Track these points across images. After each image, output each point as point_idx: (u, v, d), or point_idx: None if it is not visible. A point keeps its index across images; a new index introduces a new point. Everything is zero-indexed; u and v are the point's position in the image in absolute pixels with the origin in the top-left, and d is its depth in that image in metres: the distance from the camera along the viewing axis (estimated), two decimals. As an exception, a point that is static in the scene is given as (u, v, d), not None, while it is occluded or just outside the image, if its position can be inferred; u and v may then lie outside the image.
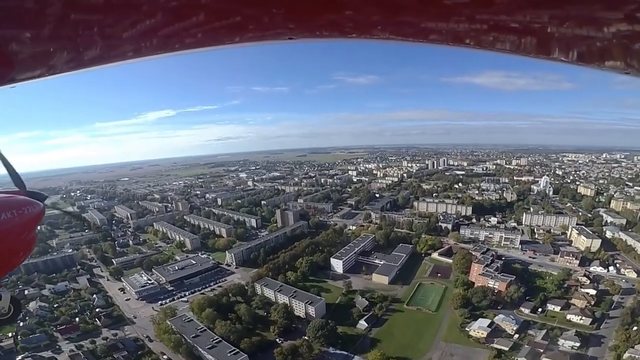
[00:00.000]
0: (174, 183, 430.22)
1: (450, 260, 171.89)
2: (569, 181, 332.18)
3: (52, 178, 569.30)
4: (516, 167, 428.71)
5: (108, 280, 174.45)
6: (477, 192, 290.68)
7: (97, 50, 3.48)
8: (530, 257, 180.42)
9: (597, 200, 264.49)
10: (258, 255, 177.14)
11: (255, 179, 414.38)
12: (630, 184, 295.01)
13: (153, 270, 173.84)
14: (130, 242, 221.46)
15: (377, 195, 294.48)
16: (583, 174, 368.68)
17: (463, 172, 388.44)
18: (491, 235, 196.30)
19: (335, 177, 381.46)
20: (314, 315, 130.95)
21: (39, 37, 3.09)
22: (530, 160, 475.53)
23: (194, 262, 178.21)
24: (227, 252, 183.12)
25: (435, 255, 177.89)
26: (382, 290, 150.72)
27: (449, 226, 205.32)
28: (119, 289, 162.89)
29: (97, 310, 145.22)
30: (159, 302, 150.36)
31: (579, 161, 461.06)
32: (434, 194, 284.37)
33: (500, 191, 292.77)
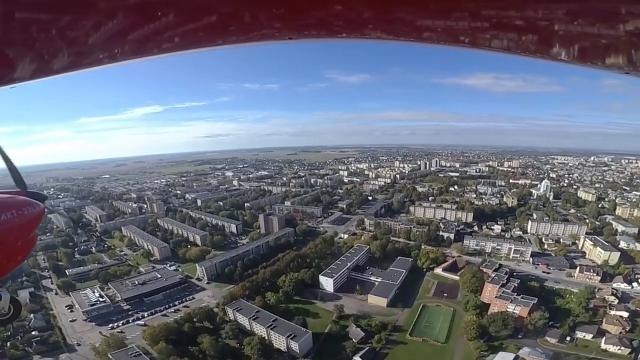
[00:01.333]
0: (156, 181, 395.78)
1: (456, 277, 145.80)
2: (565, 185, 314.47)
3: (32, 174, 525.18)
4: (509, 169, 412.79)
5: (57, 294, 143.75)
6: (474, 195, 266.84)
7: (99, 51, 3.47)
8: (544, 272, 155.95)
9: (600, 206, 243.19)
10: (234, 269, 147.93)
11: (242, 177, 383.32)
12: (628, 189, 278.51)
13: (110, 284, 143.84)
14: (93, 248, 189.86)
15: (370, 198, 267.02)
16: (577, 177, 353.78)
17: (457, 174, 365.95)
18: (499, 247, 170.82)
19: (325, 178, 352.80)
20: (297, 351, 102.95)
21: (39, 38, 3.06)
22: (521, 162, 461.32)
23: (159, 276, 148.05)
24: (197, 265, 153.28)
25: (438, 270, 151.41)
26: (380, 314, 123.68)
27: (451, 236, 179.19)
28: (66, 306, 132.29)
29: (33, 332, 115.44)
30: (110, 325, 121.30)
31: (569, 164, 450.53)
32: (430, 198, 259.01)
33: (498, 195, 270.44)
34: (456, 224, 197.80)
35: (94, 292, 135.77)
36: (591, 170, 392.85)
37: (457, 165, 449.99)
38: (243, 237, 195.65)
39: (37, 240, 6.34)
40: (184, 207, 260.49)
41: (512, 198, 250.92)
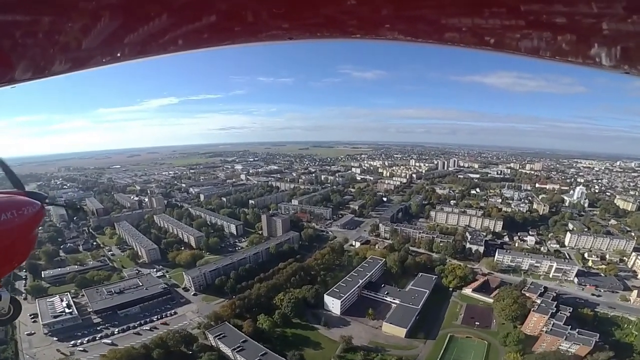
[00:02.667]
0: (164, 173, 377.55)
1: (489, 300, 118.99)
2: (597, 191, 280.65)
3: (47, 163, 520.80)
4: (531, 172, 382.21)
5: (26, 299, 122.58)
6: (500, 200, 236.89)
7: (100, 51, 3.43)
8: (592, 294, 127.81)
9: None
10: (226, 280, 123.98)
11: (251, 171, 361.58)
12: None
13: (84, 291, 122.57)
14: (81, 246, 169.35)
15: (385, 199, 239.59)
16: (607, 183, 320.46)
17: (478, 176, 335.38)
18: (537, 264, 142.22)
19: (337, 175, 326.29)
20: (292, 399, 78.53)
21: (39, 38, 3.02)
22: (544, 165, 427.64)
23: (140, 284, 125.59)
24: (184, 273, 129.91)
25: (467, 291, 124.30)
26: (397, 347, 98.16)
27: (480, 249, 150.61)
28: (30, 315, 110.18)
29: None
30: (73, 341, 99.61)
31: (595, 168, 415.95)
32: (452, 201, 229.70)
33: (526, 200, 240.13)
34: (484, 234, 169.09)
35: (61, 301, 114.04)
36: (620, 175, 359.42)
37: (476, 166, 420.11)
38: (242, 240, 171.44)
39: (37, 240, 6.04)
40: (186, 202, 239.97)
41: (544, 205, 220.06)
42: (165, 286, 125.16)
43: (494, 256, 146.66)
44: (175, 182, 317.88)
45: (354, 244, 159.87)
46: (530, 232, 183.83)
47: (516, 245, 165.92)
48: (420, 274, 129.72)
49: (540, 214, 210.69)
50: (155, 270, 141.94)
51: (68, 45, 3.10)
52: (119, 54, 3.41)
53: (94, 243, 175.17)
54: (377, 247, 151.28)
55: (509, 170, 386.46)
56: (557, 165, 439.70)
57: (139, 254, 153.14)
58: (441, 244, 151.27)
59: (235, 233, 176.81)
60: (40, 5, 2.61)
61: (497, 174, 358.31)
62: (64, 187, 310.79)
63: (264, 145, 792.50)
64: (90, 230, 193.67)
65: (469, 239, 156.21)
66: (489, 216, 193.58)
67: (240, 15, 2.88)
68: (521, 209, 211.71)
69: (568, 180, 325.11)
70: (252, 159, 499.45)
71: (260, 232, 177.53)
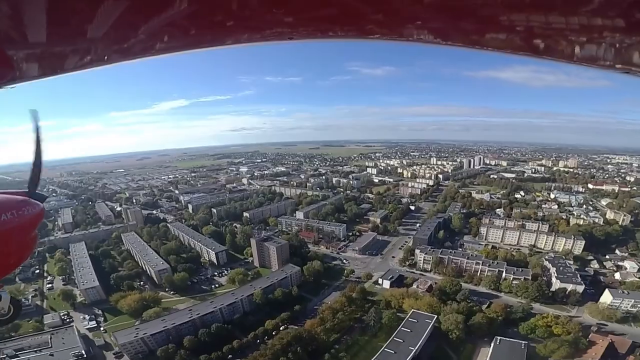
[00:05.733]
0: (163, 177, 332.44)
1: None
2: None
3: (56, 167, 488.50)
4: (567, 169, 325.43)
5: None
6: (556, 207, 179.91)
7: (101, 50, 3.30)
8: None
9: None
10: (176, 350, 72.50)
11: (255, 174, 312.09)
12: None
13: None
14: (17, 277, 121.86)
15: (413, 208, 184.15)
16: None
17: (513, 176, 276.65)
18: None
19: (351, 177, 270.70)
20: None
21: (39, 38, 2.89)
22: (578, 161, 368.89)
23: (49, 345, 76.40)
24: (112, 335, 79.02)
25: (584, 374, 69.82)
26: None
27: (579, 288, 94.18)
28: None
29: None
30: None
31: (634, 164, 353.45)
32: (498, 209, 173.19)
33: (590, 207, 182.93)
34: (571, 262, 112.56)
35: None
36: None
37: (504, 164, 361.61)
38: (223, 273, 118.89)
39: (37, 240, 5.73)
40: (171, 214, 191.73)
41: (623, 214, 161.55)
42: (82, 354, 74.26)
43: (598, 297, 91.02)
44: (170, 187, 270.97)
45: (380, 282, 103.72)
46: (619, 253, 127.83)
47: (615, 275, 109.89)
48: (498, 338, 74.58)
49: (620, 224, 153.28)
50: (89, 317, 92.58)
51: (68, 44, 2.95)
52: (119, 53, 3.20)
53: (36, 271, 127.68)
54: (417, 287, 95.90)
55: (542, 168, 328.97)
56: (590, 162, 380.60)
57: (73, 293, 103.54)
58: (515, 283, 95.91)
59: (216, 262, 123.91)
60: (40, 3, 2.46)
61: (533, 172, 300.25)
62: (54, 194, 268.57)
63: (275, 145, 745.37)
64: (45, 253, 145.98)
65: (554, 272, 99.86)
66: (557, 232, 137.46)
67: (242, 15, 2.66)
68: (596, 220, 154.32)
69: (616, 179, 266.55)
70: (259, 160, 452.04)
71: (250, 259, 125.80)
